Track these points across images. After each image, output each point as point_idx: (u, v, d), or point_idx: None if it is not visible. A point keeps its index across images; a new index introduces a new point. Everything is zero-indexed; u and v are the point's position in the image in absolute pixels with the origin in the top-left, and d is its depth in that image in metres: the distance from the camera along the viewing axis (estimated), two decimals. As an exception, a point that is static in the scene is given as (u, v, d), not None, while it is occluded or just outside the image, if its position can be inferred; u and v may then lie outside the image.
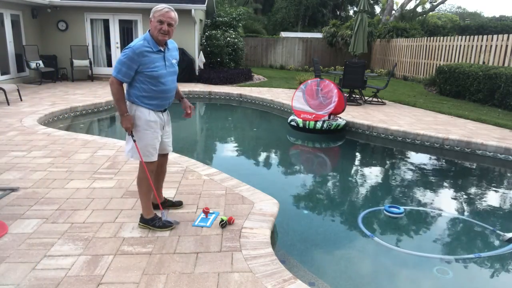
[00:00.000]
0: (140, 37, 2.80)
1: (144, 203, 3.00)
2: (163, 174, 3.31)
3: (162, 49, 2.83)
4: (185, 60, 12.57)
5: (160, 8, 2.75)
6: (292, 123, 7.11)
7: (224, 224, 3.04)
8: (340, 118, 7.28)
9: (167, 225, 2.99)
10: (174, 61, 2.95)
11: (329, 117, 7.12)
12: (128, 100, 2.84)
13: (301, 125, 6.93)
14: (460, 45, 12.35)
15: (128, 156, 2.94)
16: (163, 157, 3.19)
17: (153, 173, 2.99)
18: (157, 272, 2.46)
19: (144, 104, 2.83)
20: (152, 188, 2.98)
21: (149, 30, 2.81)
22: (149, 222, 2.99)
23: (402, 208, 3.91)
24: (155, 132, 2.90)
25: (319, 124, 6.83)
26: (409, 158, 6.09)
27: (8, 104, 8.02)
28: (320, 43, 19.94)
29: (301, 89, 7.65)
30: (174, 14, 2.79)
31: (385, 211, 3.89)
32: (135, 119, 2.83)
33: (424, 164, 5.74)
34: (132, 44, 2.73)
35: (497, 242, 3.38)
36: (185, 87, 11.34)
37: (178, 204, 3.39)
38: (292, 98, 7.65)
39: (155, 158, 2.94)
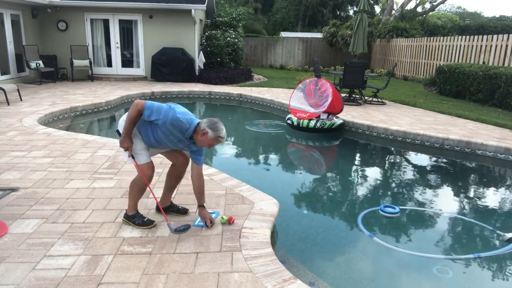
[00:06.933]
0: (187, 120, 2.82)
1: (131, 203, 3.03)
2: (180, 179, 3.25)
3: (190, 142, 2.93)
4: (185, 60, 12.58)
5: (223, 136, 2.88)
6: (288, 121, 7.21)
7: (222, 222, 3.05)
8: (338, 117, 7.29)
9: (146, 223, 3.01)
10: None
11: (327, 117, 7.13)
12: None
13: (295, 123, 7.01)
14: (460, 45, 12.35)
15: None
16: (184, 159, 3.19)
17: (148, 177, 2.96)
18: (157, 272, 2.46)
19: None
20: (151, 192, 3.01)
21: (196, 126, 2.86)
22: (130, 219, 3.03)
23: (397, 208, 3.91)
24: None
25: (312, 123, 6.87)
26: (409, 158, 6.09)
27: (8, 104, 8.02)
28: (320, 43, 19.93)
29: (301, 89, 7.66)
30: None
31: (380, 211, 3.89)
32: None
33: (424, 164, 5.75)
34: (185, 117, 2.82)
35: (497, 242, 3.38)
36: (185, 87, 11.34)
37: (183, 212, 3.28)
38: (290, 97, 7.65)
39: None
